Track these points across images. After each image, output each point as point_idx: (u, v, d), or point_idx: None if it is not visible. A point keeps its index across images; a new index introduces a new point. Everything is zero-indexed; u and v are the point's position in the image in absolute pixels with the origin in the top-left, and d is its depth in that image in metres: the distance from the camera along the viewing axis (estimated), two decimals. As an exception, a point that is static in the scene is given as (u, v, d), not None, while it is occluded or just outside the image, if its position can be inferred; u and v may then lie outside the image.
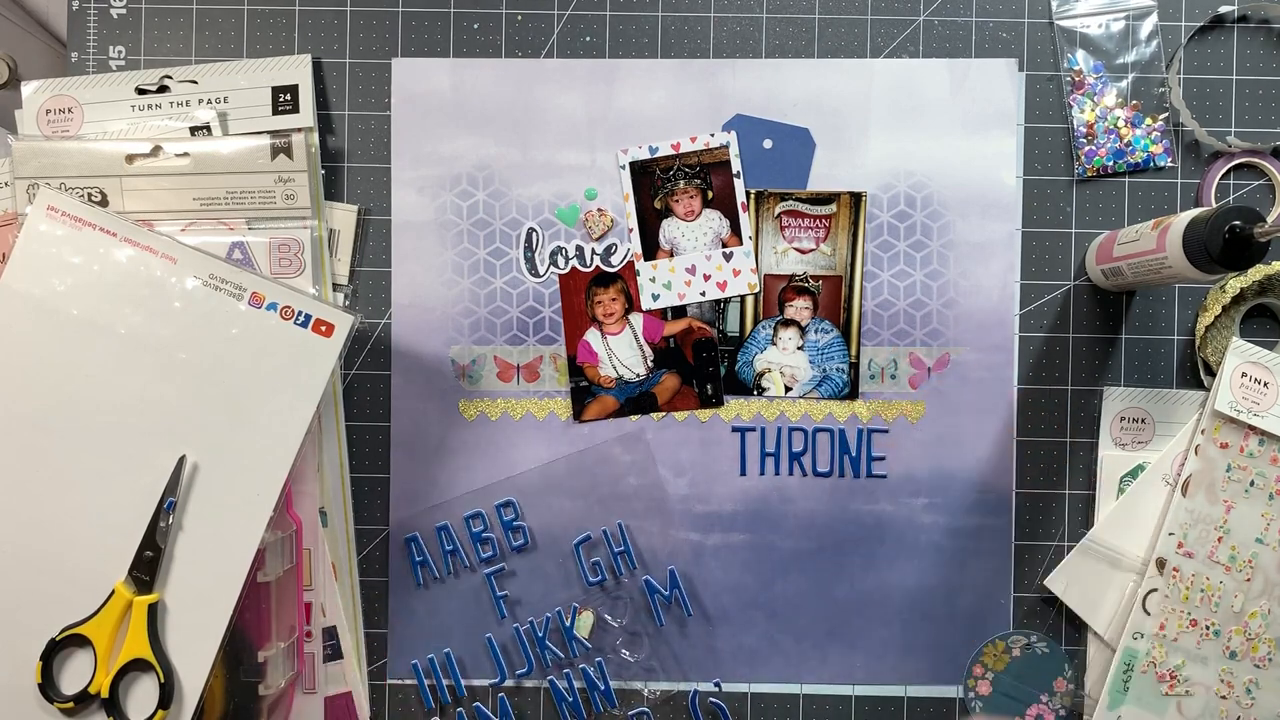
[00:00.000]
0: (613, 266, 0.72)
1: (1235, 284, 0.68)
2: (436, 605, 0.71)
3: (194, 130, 0.70)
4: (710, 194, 0.71)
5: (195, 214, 0.69)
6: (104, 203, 0.68)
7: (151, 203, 0.68)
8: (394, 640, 0.71)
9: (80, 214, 0.64)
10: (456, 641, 0.71)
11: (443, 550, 0.71)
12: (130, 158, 0.68)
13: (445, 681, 0.71)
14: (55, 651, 0.62)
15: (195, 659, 0.62)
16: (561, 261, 0.72)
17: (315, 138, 0.70)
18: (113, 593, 0.62)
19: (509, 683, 0.71)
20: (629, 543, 0.71)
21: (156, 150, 0.68)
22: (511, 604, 0.71)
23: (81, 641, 0.62)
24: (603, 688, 0.70)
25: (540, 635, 0.70)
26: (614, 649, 0.71)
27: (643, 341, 0.71)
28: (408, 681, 0.71)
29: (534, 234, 0.72)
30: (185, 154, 0.68)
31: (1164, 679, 0.69)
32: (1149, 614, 0.69)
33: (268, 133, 0.69)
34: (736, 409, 0.71)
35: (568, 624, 0.70)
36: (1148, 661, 0.69)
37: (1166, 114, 0.71)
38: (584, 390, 0.71)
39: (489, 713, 0.70)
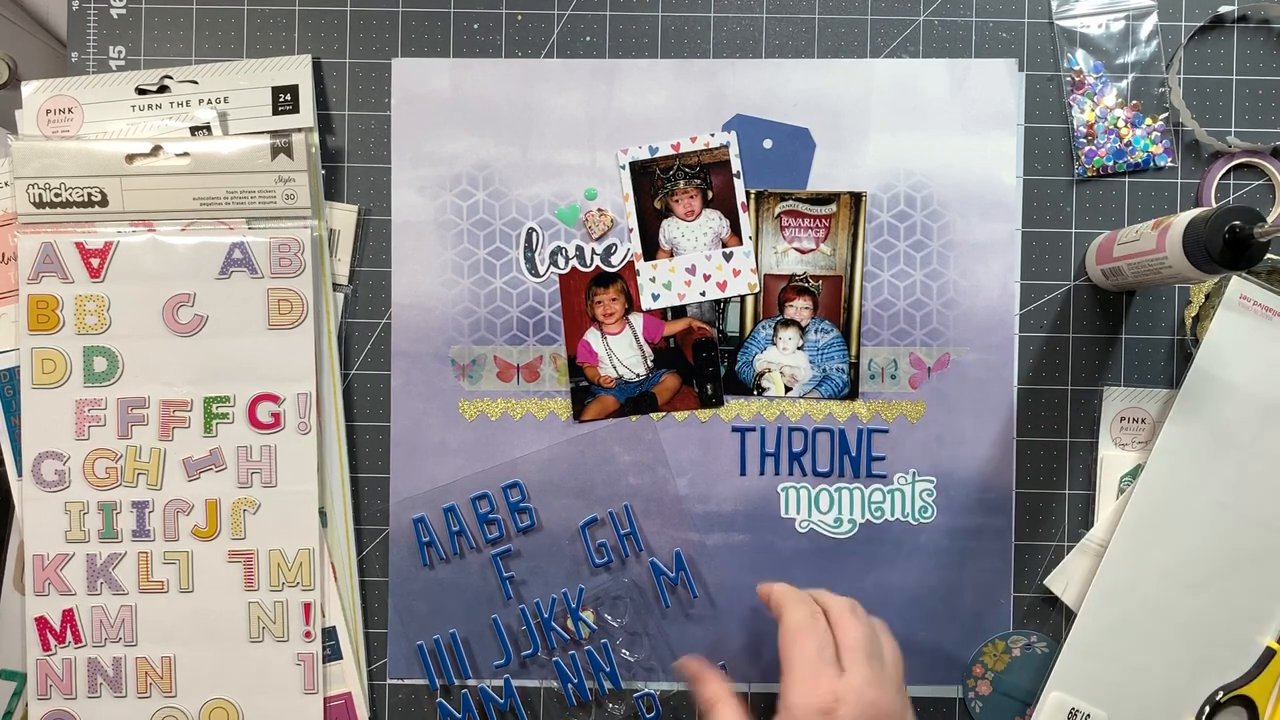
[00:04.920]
0: (613, 266, 0.72)
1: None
2: (443, 587, 0.71)
3: (194, 130, 0.70)
4: (710, 194, 0.71)
5: (195, 214, 0.69)
6: (104, 203, 0.68)
7: (151, 202, 0.68)
8: (395, 626, 0.71)
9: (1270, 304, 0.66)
10: (462, 624, 0.71)
11: (449, 531, 0.71)
12: (130, 158, 0.68)
13: (451, 663, 0.71)
14: (1215, 713, 0.64)
15: None
16: (561, 261, 0.72)
17: (315, 138, 0.70)
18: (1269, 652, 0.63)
19: (514, 664, 0.71)
20: (635, 525, 0.71)
21: (156, 150, 0.68)
22: (517, 585, 0.71)
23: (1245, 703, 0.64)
24: (608, 669, 0.70)
25: (546, 616, 0.70)
26: (614, 649, 0.71)
27: (643, 341, 0.71)
28: (408, 681, 0.71)
29: (534, 234, 0.72)
30: (185, 154, 0.68)
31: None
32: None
33: (268, 133, 0.69)
34: (736, 409, 0.71)
35: (574, 605, 0.70)
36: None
37: (1166, 114, 0.71)
38: (584, 390, 0.71)
39: (493, 694, 0.70)
